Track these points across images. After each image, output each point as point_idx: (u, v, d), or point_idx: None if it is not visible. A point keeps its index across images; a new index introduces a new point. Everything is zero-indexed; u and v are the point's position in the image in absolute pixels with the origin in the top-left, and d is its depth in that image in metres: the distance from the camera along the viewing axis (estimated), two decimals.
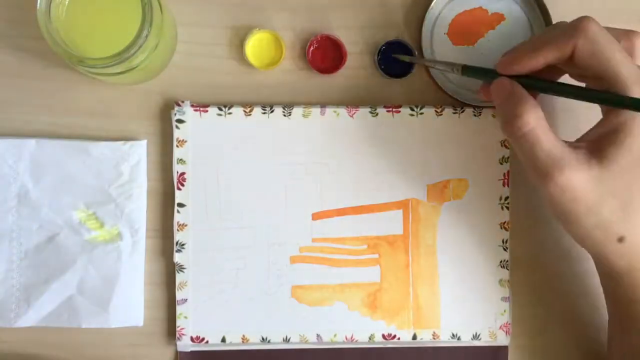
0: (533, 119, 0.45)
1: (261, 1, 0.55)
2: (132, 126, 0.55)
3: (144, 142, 0.54)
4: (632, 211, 0.45)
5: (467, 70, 0.50)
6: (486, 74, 0.49)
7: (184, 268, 0.54)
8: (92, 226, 0.54)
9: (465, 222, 0.55)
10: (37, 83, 0.54)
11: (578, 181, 0.44)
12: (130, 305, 0.54)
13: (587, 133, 0.47)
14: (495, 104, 0.48)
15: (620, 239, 0.45)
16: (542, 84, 0.47)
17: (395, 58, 0.54)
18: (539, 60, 0.46)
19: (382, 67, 0.55)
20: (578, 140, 0.47)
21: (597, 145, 0.45)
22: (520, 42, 0.50)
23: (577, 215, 0.45)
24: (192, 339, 0.54)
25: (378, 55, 0.55)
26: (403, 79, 0.55)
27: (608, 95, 0.45)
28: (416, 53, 0.54)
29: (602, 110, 0.48)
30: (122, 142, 0.54)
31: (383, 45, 0.54)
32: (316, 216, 0.55)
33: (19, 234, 0.54)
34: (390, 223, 0.55)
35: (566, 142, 0.46)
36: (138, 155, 0.54)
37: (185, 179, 0.54)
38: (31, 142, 0.53)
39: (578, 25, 0.45)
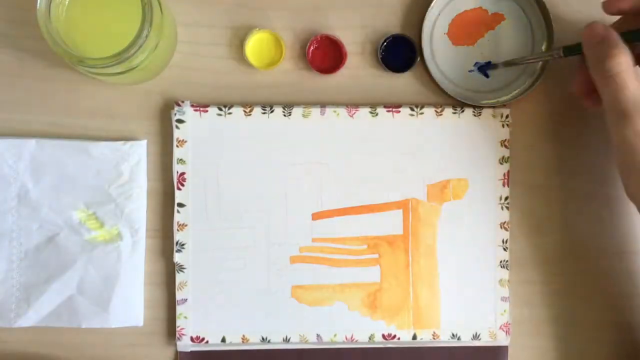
0: (626, 62, 0.46)
1: (261, 1, 0.55)
2: (132, 126, 0.55)
3: (144, 142, 0.54)
4: None
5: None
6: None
7: (184, 268, 0.54)
8: (92, 226, 0.54)
9: (465, 222, 0.55)
10: (37, 83, 0.54)
11: None
12: (130, 305, 0.54)
13: None
14: (585, 47, 0.48)
15: None
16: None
17: (397, 52, 0.54)
18: None
19: (384, 61, 0.55)
20: None
21: None
22: None
23: None
24: (192, 339, 0.54)
25: (381, 49, 0.55)
26: (403, 78, 0.55)
27: None
28: (418, 48, 0.55)
29: None
30: (122, 142, 0.54)
31: (385, 40, 0.54)
32: (316, 216, 0.55)
33: (19, 234, 0.54)
34: (390, 223, 0.55)
35: None
36: (138, 155, 0.54)
37: (185, 179, 0.54)
38: (31, 142, 0.53)
39: None
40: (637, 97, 0.46)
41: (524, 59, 0.54)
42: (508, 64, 0.54)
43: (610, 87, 0.46)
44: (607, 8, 0.50)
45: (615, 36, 0.47)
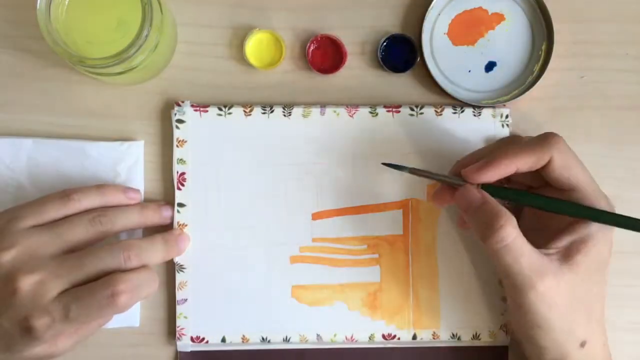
0: (513, 229, 0.45)
1: (261, 1, 0.55)
2: (132, 126, 0.55)
3: (141, 142, 0.54)
4: (592, 315, 0.48)
5: (425, 173, 0.50)
6: (443, 179, 0.50)
7: (184, 268, 0.54)
8: None
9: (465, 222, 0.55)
10: (37, 83, 0.54)
11: (556, 288, 0.46)
12: None
13: (555, 240, 0.48)
14: (464, 212, 0.48)
15: (582, 344, 0.47)
16: (512, 193, 0.49)
17: (397, 52, 0.54)
18: (512, 168, 0.47)
19: (384, 61, 0.55)
20: (547, 247, 0.47)
21: (567, 252, 0.47)
22: (477, 149, 0.52)
23: (550, 321, 0.46)
24: (192, 339, 0.54)
25: (381, 49, 0.55)
26: (403, 78, 0.55)
27: (580, 208, 0.47)
28: (418, 48, 0.55)
29: (568, 219, 0.48)
30: (119, 142, 0.54)
31: (385, 40, 0.54)
32: (316, 216, 0.55)
33: None
34: (390, 223, 0.55)
35: (538, 250, 0.46)
36: (135, 155, 0.54)
37: (185, 179, 0.54)
38: (28, 142, 0.53)
39: (551, 139, 0.47)
40: (532, 262, 0.45)
41: (430, 174, 0.51)
42: (413, 171, 0.51)
43: (503, 260, 0.45)
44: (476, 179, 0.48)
45: (493, 201, 0.47)
